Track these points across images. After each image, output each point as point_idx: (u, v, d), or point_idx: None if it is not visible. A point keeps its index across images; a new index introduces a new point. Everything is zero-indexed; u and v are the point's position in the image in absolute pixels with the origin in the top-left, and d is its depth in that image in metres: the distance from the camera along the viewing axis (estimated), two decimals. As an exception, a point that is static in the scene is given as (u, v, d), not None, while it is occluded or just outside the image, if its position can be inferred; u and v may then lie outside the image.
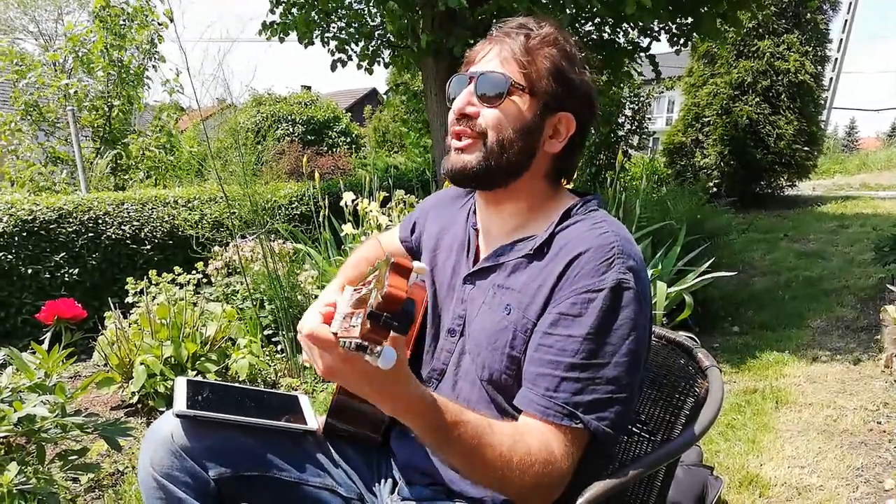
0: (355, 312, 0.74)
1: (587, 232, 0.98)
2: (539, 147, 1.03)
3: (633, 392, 0.93)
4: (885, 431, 2.56)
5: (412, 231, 1.34)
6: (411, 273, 0.72)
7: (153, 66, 7.52)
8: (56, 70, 7.37)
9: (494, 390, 1.01)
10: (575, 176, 2.78)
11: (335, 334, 0.77)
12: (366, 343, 0.69)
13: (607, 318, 0.90)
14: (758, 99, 9.17)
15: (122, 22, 7.04)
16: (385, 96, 17.53)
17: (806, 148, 9.35)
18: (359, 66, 5.67)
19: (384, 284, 0.69)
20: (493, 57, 1.01)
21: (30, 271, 3.77)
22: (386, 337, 0.70)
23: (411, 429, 0.85)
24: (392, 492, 1.17)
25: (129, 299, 3.25)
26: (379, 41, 5.58)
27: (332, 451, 1.21)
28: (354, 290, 0.82)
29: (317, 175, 4.11)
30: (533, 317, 0.97)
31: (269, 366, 3.13)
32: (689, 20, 4.88)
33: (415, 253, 1.34)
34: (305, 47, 5.52)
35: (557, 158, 1.05)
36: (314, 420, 1.21)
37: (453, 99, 1.05)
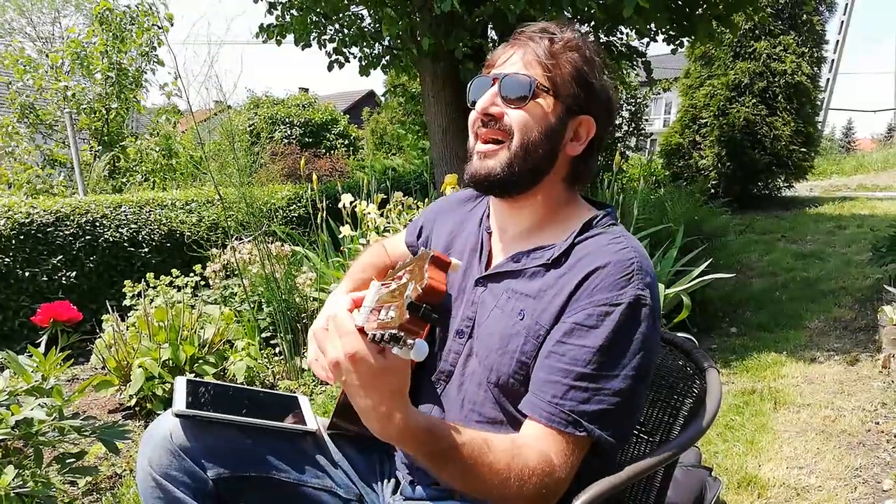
0: (384, 307, 0.74)
1: (607, 245, 0.99)
2: (561, 149, 1.04)
3: (639, 404, 0.95)
4: (882, 432, 2.56)
5: (419, 235, 1.34)
6: (450, 267, 0.73)
7: (151, 70, 7.52)
8: (54, 72, 7.36)
9: (501, 394, 1.01)
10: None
11: (360, 328, 0.77)
12: (401, 334, 0.69)
13: (622, 332, 0.92)
14: (755, 100, 9.19)
15: (122, 25, 7.04)
16: (383, 98, 17.55)
17: (803, 149, 9.37)
18: (360, 72, 5.68)
19: (424, 276, 0.70)
20: (517, 60, 1.02)
21: (27, 274, 3.76)
22: (424, 328, 0.70)
23: (406, 452, 0.85)
24: (394, 492, 1.17)
25: (127, 302, 3.24)
26: (377, 44, 5.59)
27: (332, 451, 1.21)
28: (382, 285, 0.81)
29: (314, 177, 4.11)
30: (546, 324, 0.97)
31: (267, 368, 3.13)
32: (685, 23, 4.90)
33: None
34: (302, 49, 5.53)
35: (576, 161, 1.07)
36: (313, 421, 1.21)
37: (474, 102, 1.05)
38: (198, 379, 1.27)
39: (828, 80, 13.38)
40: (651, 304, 0.94)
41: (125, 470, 2.29)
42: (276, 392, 1.33)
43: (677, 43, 5.23)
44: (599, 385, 0.91)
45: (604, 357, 0.91)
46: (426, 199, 4.28)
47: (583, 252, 1.00)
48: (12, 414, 1.52)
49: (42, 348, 1.71)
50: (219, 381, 2.44)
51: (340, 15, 5.37)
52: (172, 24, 7.18)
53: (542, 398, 0.93)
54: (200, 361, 2.83)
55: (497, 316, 1.04)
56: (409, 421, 0.81)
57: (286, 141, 12.43)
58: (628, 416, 0.93)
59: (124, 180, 7.04)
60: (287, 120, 14.29)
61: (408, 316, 0.68)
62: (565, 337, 0.94)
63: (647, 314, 0.93)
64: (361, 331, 0.77)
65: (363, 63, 5.69)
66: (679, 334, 1.32)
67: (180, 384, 1.16)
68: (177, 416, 1.09)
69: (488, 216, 1.18)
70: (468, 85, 1.08)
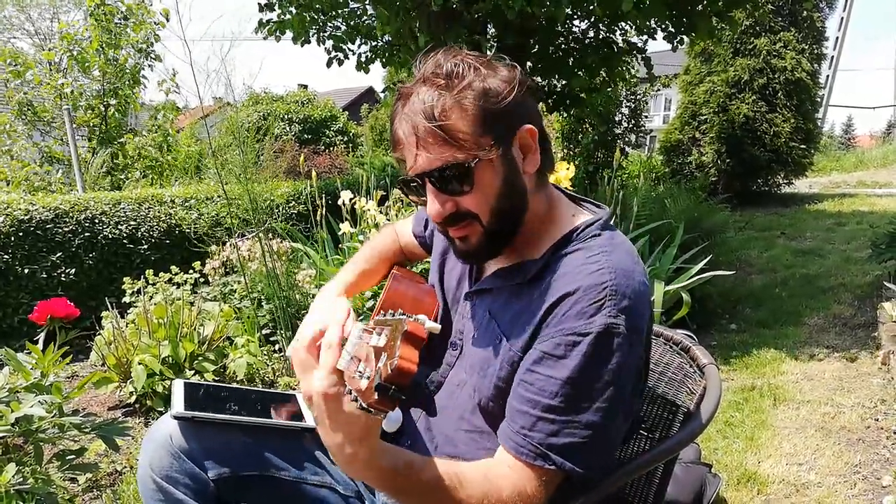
0: (363, 360, 0.73)
1: (581, 267, 0.93)
2: (524, 177, 0.98)
3: (614, 434, 0.91)
4: (882, 428, 2.56)
5: (425, 226, 1.34)
6: (424, 342, 0.71)
7: (149, 66, 7.50)
8: (52, 69, 7.34)
9: (484, 412, 1.02)
10: (573, 174, 2.77)
11: (341, 372, 0.77)
12: (371, 410, 0.69)
13: (591, 363, 0.86)
14: (754, 97, 9.18)
15: (116, 21, 7.02)
16: (382, 94, 17.54)
17: (802, 146, 9.36)
18: (358, 67, 5.67)
19: (395, 354, 0.67)
20: (422, 151, 0.92)
21: (26, 271, 3.76)
22: (392, 407, 0.69)
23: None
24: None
25: (127, 299, 3.24)
26: (376, 41, 5.58)
27: (330, 449, 1.21)
28: (364, 329, 0.80)
29: (314, 174, 4.11)
30: (519, 350, 0.95)
31: (267, 365, 3.13)
32: (685, 19, 4.88)
33: (428, 248, 1.34)
34: (301, 46, 5.52)
35: (539, 167, 1.00)
36: (311, 418, 1.21)
37: (416, 197, 1.00)
38: (195, 381, 1.27)
39: (828, 76, 13.36)
40: (626, 333, 0.87)
41: (125, 467, 2.29)
42: (274, 391, 1.34)
43: (677, 40, 5.21)
44: (568, 417, 0.87)
45: (572, 389, 0.87)
46: (426, 196, 4.27)
47: (556, 273, 0.95)
48: (12, 411, 1.52)
49: (40, 345, 1.71)
50: (216, 382, 2.44)
51: (339, 11, 5.35)
52: (168, 20, 7.17)
53: (513, 428, 0.90)
54: (200, 358, 2.82)
55: (480, 337, 1.04)
56: (374, 463, 0.79)
57: (285, 137, 12.41)
58: (601, 449, 0.89)
59: (122, 177, 7.04)
60: (286, 116, 14.28)
61: (376, 396, 0.67)
62: (534, 365, 0.90)
63: (621, 343, 0.87)
64: (341, 374, 0.77)
65: (362, 59, 5.68)
66: (678, 331, 1.32)
67: (178, 387, 1.16)
68: (175, 418, 1.09)
69: None
70: (398, 186, 1.01)
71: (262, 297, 3.37)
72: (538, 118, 1.00)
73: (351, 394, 0.72)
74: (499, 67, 0.94)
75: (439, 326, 0.74)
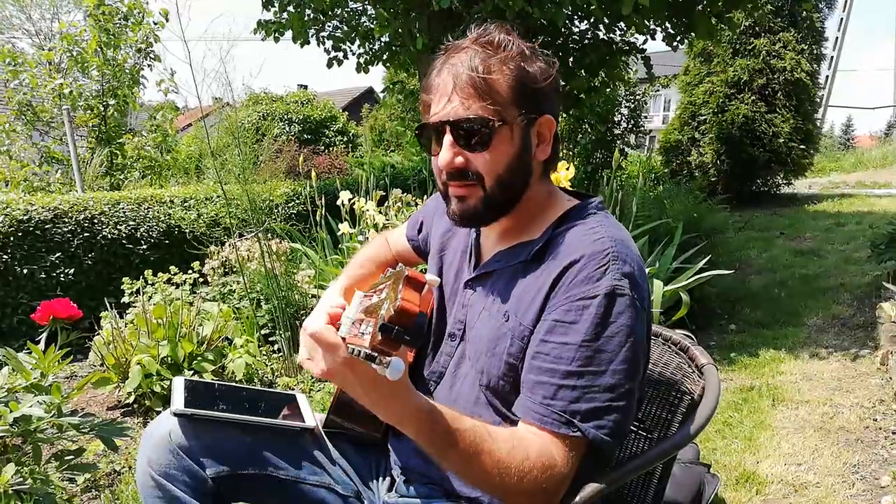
0: (365, 320, 0.75)
1: (582, 237, 0.97)
2: (532, 161, 1.03)
3: (632, 399, 0.92)
4: (881, 428, 2.57)
5: (419, 230, 1.34)
6: (425, 286, 0.73)
7: (148, 66, 7.49)
8: (51, 69, 7.33)
9: (493, 396, 1.02)
10: (573, 174, 2.77)
11: (343, 339, 0.77)
12: (375, 354, 0.70)
13: (602, 325, 0.89)
14: (754, 97, 9.18)
15: (115, 21, 7.01)
16: (382, 95, 17.52)
17: (802, 146, 9.36)
18: (358, 69, 5.67)
19: (397, 297, 0.69)
20: (456, 99, 0.97)
21: (25, 271, 3.76)
22: (396, 349, 0.70)
23: (408, 436, 0.86)
24: (390, 489, 1.17)
25: (126, 299, 3.24)
26: (376, 41, 5.58)
27: (330, 448, 1.21)
28: (365, 295, 0.82)
29: (313, 174, 4.11)
30: (529, 323, 0.96)
31: (266, 365, 3.13)
32: (685, 20, 4.89)
33: (422, 252, 1.34)
34: (301, 47, 5.51)
35: (547, 159, 1.06)
36: (312, 418, 1.22)
37: (429, 145, 1.03)
38: (196, 378, 1.27)
39: (827, 77, 13.36)
40: (631, 294, 0.91)
41: (124, 467, 2.29)
42: (274, 390, 1.34)
43: (677, 41, 5.21)
44: (588, 382, 0.89)
45: (588, 352, 0.89)
46: (424, 196, 4.29)
47: (559, 246, 0.98)
48: (11, 411, 1.52)
49: (42, 345, 1.71)
50: (217, 381, 2.45)
51: (338, 11, 5.35)
52: (168, 20, 7.17)
53: (534, 400, 0.92)
54: (199, 359, 2.83)
55: (485, 318, 1.04)
56: (412, 406, 0.83)
57: (285, 138, 12.41)
58: (622, 412, 0.90)
59: (122, 177, 7.03)
60: (286, 116, 14.30)
61: (380, 337, 0.69)
62: (547, 335, 0.93)
63: (628, 304, 0.91)
64: (344, 341, 0.78)
65: (361, 60, 5.68)
66: (677, 331, 1.32)
67: (178, 384, 1.16)
68: (175, 415, 1.09)
69: None
70: (419, 130, 1.06)
71: (261, 298, 3.37)
72: (557, 118, 1.06)
73: (354, 351, 0.73)
74: (539, 58, 1.02)
75: (438, 280, 0.76)
